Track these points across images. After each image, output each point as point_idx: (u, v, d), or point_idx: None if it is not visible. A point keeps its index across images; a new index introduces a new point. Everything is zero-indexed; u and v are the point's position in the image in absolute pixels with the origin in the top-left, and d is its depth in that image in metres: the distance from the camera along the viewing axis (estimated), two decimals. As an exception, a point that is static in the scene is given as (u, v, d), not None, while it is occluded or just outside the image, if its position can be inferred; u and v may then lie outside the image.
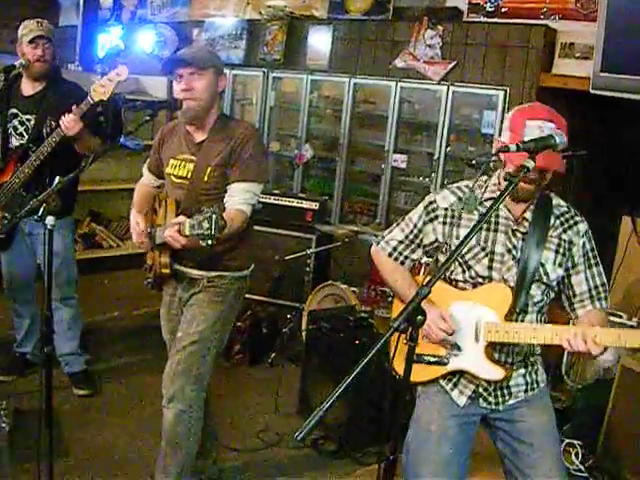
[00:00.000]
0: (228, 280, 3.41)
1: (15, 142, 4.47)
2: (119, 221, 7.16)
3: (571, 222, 2.75)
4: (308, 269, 5.89)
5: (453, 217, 2.80)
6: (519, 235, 2.72)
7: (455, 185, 2.88)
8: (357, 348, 4.37)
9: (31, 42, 4.35)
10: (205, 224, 2.78)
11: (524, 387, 2.80)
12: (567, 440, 4.44)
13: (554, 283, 2.74)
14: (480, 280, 2.75)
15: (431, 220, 2.85)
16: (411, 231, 2.92)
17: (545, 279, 2.71)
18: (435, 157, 6.46)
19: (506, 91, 5.98)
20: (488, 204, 2.71)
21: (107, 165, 6.55)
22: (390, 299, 4.87)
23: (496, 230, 2.74)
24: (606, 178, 6.44)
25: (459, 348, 2.72)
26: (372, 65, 6.88)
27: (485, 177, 2.85)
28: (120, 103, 4.03)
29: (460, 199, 2.80)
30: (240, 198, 3.24)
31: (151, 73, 6.41)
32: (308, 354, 4.76)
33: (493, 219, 2.74)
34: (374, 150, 7.07)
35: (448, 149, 6.42)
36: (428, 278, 2.14)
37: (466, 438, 2.86)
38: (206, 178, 3.29)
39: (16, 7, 10.25)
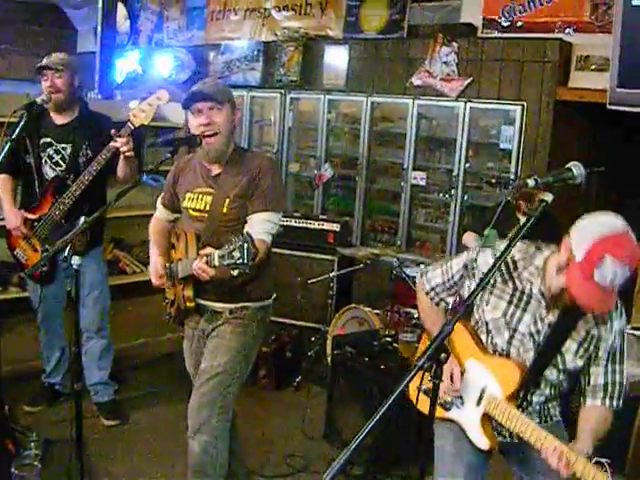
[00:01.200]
0: (251, 311, 3.42)
1: (49, 171, 4.46)
2: (141, 246, 7.19)
3: (606, 317, 2.60)
4: (331, 292, 5.90)
5: (488, 282, 2.66)
6: (547, 322, 2.64)
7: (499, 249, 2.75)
8: (382, 373, 4.37)
9: (40, 74, 4.37)
10: (236, 254, 2.79)
11: (537, 420, 2.74)
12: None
13: (572, 371, 2.68)
14: (499, 350, 2.74)
15: (470, 277, 2.82)
16: (449, 279, 2.92)
17: (561, 366, 2.66)
18: (454, 173, 6.47)
19: (523, 106, 5.98)
20: (526, 282, 2.65)
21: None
22: (414, 321, 4.88)
23: (525, 310, 2.67)
24: (624, 191, 6.37)
25: (462, 403, 2.73)
26: (389, 83, 6.92)
27: (533, 249, 2.72)
28: (141, 138, 4.02)
29: (499, 269, 2.67)
30: (261, 228, 3.25)
31: (170, 100, 6.42)
32: (333, 379, 4.76)
33: (525, 297, 2.67)
34: (393, 168, 7.10)
35: (467, 165, 6.42)
36: (450, 317, 2.15)
37: (481, 460, 2.85)
38: (225, 210, 3.30)
39: (34, 35, 10.41)
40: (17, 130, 4.15)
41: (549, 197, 2.29)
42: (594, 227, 2.40)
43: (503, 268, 2.70)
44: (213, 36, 8.83)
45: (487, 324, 2.75)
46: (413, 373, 2.04)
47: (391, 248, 6.39)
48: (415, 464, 4.21)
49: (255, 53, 7.98)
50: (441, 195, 6.72)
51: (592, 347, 2.62)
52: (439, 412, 2.75)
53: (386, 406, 1.99)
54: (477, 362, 2.72)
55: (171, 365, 5.40)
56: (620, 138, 6.10)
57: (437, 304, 2.98)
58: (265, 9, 8.20)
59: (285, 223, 6.20)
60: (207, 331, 3.48)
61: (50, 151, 4.46)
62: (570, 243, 2.43)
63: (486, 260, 2.74)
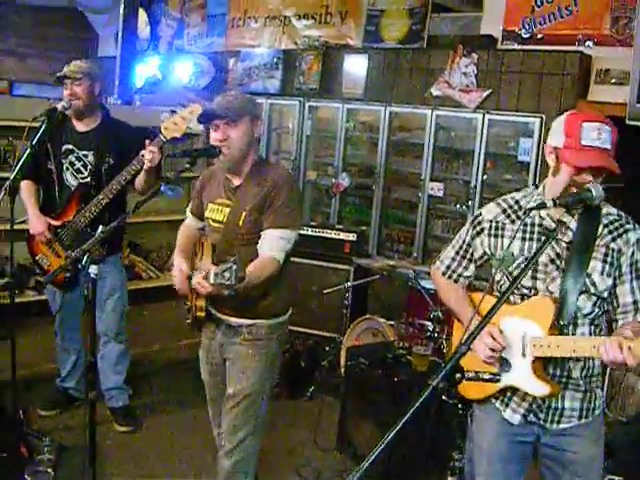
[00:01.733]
0: (267, 328, 3.42)
1: (70, 178, 4.51)
2: (158, 251, 7.24)
3: (621, 230, 2.66)
4: (346, 302, 5.89)
5: (497, 228, 2.82)
6: (563, 244, 2.66)
7: (502, 197, 2.89)
8: (395, 385, 4.36)
9: (61, 83, 4.43)
10: (227, 274, 2.84)
11: (578, 413, 2.74)
12: (609, 476, 4.37)
13: (605, 294, 2.66)
14: (525, 291, 2.72)
15: (478, 234, 2.88)
16: (461, 247, 2.96)
17: (593, 290, 2.63)
18: (472, 185, 6.45)
19: (542, 118, 5.95)
20: (533, 213, 2.69)
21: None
22: (428, 334, 4.86)
23: (539, 239, 2.69)
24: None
25: (509, 364, 2.68)
26: (407, 93, 6.91)
27: (532, 188, 2.86)
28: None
29: (504, 211, 2.81)
30: (273, 245, 3.26)
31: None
32: (347, 390, 4.75)
33: (536, 227, 2.72)
34: (411, 178, 7.08)
35: (485, 177, 6.40)
36: (466, 335, 2.15)
37: (518, 457, 2.85)
38: (240, 223, 3.32)
39: (55, 40, 10.48)
40: (37, 136, 4.18)
41: (568, 218, 2.32)
42: (556, 121, 2.65)
43: (509, 210, 2.80)
44: (233, 43, 8.85)
45: (507, 268, 2.75)
46: (427, 393, 2.04)
47: (407, 259, 6.37)
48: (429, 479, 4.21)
49: (275, 61, 8.00)
50: (458, 206, 6.70)
51: (616, 262, 2.63)
52: (490, 389, 2.76)
53: (400, 425, 1.98)
54: (509, 317, 2.67)
55: (186, 372, 5.41)
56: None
57: (456, 281, 2.99)
58: (285, 17, 8.21)
59: (301, 232, 6.14)
60: (225, 345, 3.49)
61: (72, 158, 4.51)
62: (549, 145, 2.66)
63: (489, 209, 2.87)
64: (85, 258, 3.10)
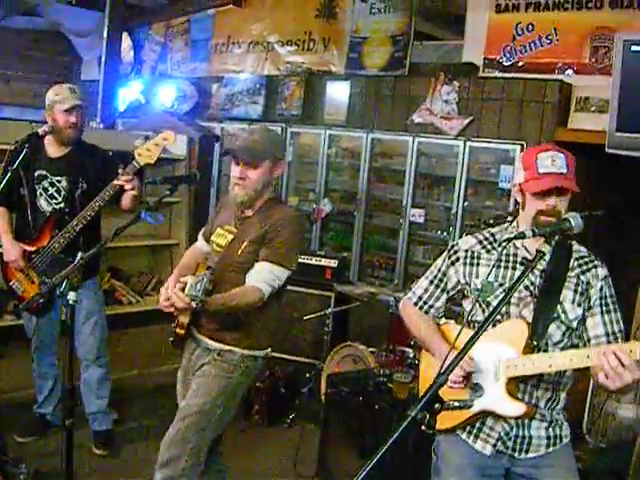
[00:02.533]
0: (238, 357, 3.39)
1: (44, 204, 4.50)
2: (139, 276, 7.19)
3: (590, 265, 2.77)
4: (327, 328, 5.87)
5: (473, 257, 2.89)
6: (537, 272, 2.74)
7: (478, 232, 2.99)
8: (376, 413, 4.34)
9: (66, 110, 4.40)
10: (198, 286, 2.87)
11: (545, 441, 2.77)
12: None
13: (574, 323, 2.71)
14: (498, 317, 2.74)
15: (453, 263, 2.94)
16: (435, 276, 3.01)
17: (563, 317, 2.69)
18: (453, 211, 6.47)
19: (522, 145, 5.98)
20: (507, 243, 2.77)
21: (125, 221, 6.59)
22: (409, 361, 4.86)
23: (514, 268, 2.78)
24: (623, 240, 6.36)
25: (482, 389, 2.70)
26: (389, 120, 6.94)
27: (507, 224, 2.94)
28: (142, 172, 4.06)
29: (480, 242, 2.90)
30: (260, 276, 3.26)
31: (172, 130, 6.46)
32: (327, 418, 4.73)
33: (511, 257, 2.81)
34: (392, 204, 7.09)
35: (466, 203, 6.42)
36: (446, 365, 2.15)
37: None
38: (239, 252, 3.34)
39: (38, 62, 10.48)
40: (18, 161, 4.17)
41: (546, 248, 2.37)
42: (516, 162, 2.81)
43: (485, 242, 2.91)
44: (216, 68, 8.88)
45: (485, 299, 2.79)
46: (405, 423, 2.03)
47: (388, 286, 6.37)
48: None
49: (257, 87, 8.02)
50: (439, 233, 6.72)
51: (585, 293, 2.71)
52: (461, 417, 2.75)
53: (379, 455, 1.97)
54: (480, 343, 2.63)
55: (165, 398, 5.35)
56: (619, 180, 6.11)
57: (427, 312, 3.02)
58: (269, 43, 8.26)
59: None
60: (197, 366, 3.47)
61: (45, 183, 4.50)
62: (515, 183, 2.82)
63: (465, 240, 2.97)
64: (64, 284, 3.09)
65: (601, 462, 4.71)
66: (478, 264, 2.86)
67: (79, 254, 3.16)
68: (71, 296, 3.09)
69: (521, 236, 2.49)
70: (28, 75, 10.51)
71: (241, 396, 3.55)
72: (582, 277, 2.73)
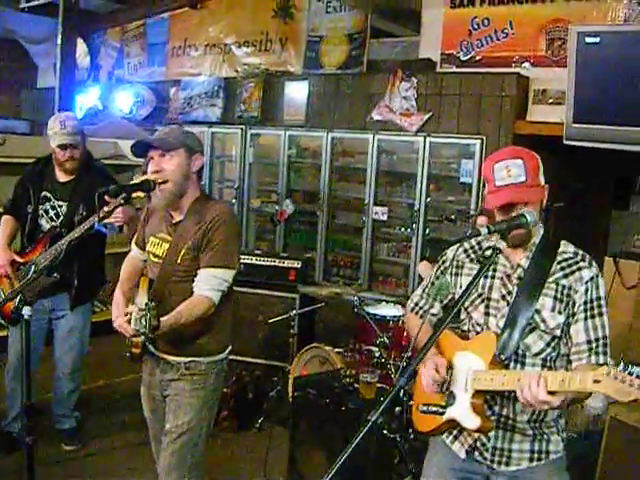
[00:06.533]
0: (205, 365, 3.34)
1: (45, 224, 4.55)
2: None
3: (574, 267, 2.60)
4: (292, 330, 5.82)
5: (457, 267, 2.85)
6: (514, 281, 2.65)
7: (466, 240, 2.88)
8: (343, 414, 4.31)
9: (58, 146, 4.44)
10: (143, 321, 2.81)
11: (529, 455, 2.65)
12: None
13: (557, 332, 2.58)
14: (478, 328, 2.71)
15: (442, 273, 2.91)
16: (426, 285, 3.00)
17: (543, 326, 2.57)
18: (415, 208, 6.47)
19: (482, 140, 6.01)
20: (488, 253, 2.66)
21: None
22: (375, 360, 4.85)
23: (493, 277, 2.71)
24: (585, 221, 6.42)
25: (454, 398, 2.62)
26: (349, 118, 6.93)
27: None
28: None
29: (466, 251, 2.84)
30: (207, 284, 3.19)
31: (130, 137, 6.38)
32: (295, 420, 4.69)
33: (491, 266, 2.70)
34: (355, 203, 7.10)
35: (428, 199, 6.43)
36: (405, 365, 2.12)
37: None
38: (179, 260, 3.24)
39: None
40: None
41: (502, 244, 2.35)
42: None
43: (470, 250, 2.84)
44: (174, 72, 8.83)
45: (465, 305, 2.75)
46: (366, 429, 2.00)
47: (353, 285, 6.35)
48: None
49: (215, 89, 7.97)
50: (403, 229, 6.73)
51: (565, 299, 2.57)
52: (436, 422, 2.68)
53: (343, 458, 1.95)
54: (461, 352, 2.65)
55: (132, 410, 5.28)
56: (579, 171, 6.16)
57: (422, 317, 2.98)
58: (225, 45, 8.23)
59: (246, 261, 6.14)
60: (164, 381, 3.40)
61: (47, 206, 4.59)
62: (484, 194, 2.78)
63: (452, 248, 2.92)
64: (17, 300, 3.02)
65: (571, 452, 4.69)
66: (461, 274, 2.83)
67: (32, 267, 3.10)
68: (26, 311, 3.02)
69: (476, 234, 2.46)
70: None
71: (219, 398, 3.53)
72: (563, 281, 2.59)
